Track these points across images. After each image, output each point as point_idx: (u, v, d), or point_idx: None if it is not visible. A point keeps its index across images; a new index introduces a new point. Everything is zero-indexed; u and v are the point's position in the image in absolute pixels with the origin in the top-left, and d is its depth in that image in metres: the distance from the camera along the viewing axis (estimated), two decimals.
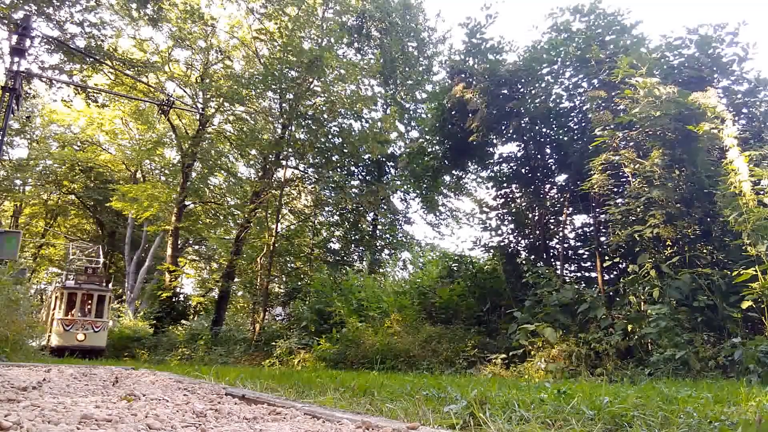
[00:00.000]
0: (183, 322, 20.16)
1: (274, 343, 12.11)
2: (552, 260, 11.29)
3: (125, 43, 21.26)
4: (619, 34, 9.97)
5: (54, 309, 18.60)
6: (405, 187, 20.00)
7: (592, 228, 10.88)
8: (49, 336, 17.80)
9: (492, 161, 12.89)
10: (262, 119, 19.79)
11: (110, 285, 19.48)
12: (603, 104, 9.27)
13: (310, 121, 17.83)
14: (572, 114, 11.14)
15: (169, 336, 18.04)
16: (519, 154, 12.30)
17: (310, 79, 16.97)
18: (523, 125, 11.15)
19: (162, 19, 18.10)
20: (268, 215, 17.97)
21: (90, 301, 18.17)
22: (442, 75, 20.09)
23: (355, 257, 19.94)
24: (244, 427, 1.77)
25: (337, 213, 20.38)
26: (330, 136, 18.56)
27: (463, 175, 15.49)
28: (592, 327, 7.71)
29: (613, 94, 8.99)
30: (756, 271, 5.97)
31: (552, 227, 11.90)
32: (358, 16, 20.69)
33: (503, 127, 11.39)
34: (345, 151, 18.29)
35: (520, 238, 12.34)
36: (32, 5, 15.24)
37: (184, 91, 21.02)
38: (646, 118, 7.78)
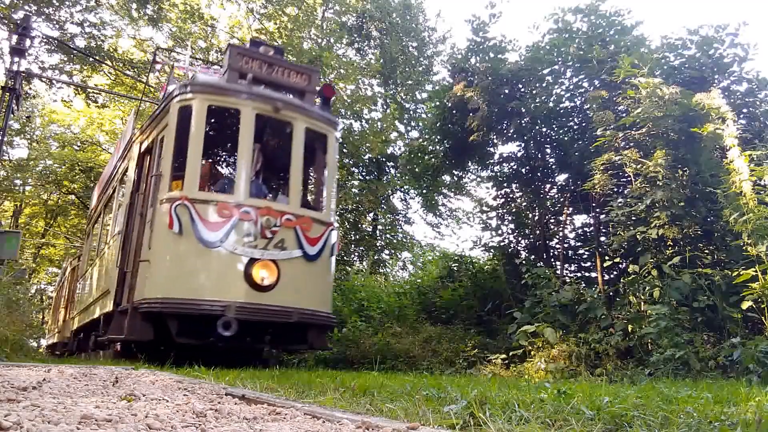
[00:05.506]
0: None
1: None
2: (552, 260, 11.29)
3: (125, 43, 21.32)
4: (621, 35, 9.97)
5: (141, 181, 6.98)
6: (405, 187, 20.01)
7: (592, 228, 10.87)
8: (130, 273, 6.36)
9: (492, 161, 12.88)
10: None
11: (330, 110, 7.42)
12: (603, 104, 9.26)
13: None
14: (573, 114, 11.14)
15: None
16: (519, 154, 12.30)
17: None
18: (524, 125, 11.15)
19: (162, 19, 18.11)
20: None
21: (285, 144, 6.79)
22: (442, 74, 20.13)
23: (355, 257, 19.93)
24: (244, 427, 1.77)
25: (337, 213, 20.37)
26: None
27: (463, 175, 15.48)
28: (592, 327, 7.70)
29: (614, 94, 8.98)
30: (756, 271, 5.96)
31: (552, 227, 11.90)
32: (358, 16, 20.69)
33: (504, 127, 11.38)
34: (345, 150, 18.28)
35: (520, 238, 12.34)
36: (32, 5, 15.25)
37: None
38: (649, 118, 7.78)
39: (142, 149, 7.36)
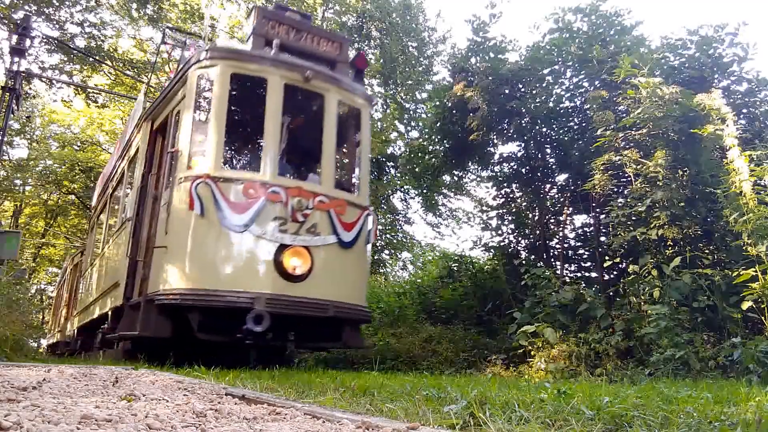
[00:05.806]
0: None
1: None
2: (552, 260, 11.29)
3: (125, 43, 21.34)
4: (621, 35, 9.99)
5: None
6: (405, 187, 20.01)
7: (592, 228, 10.88)
8: (143, 262, 5.78)
9: (492, 161, 12.89)
10: None
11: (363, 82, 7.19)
12: (604, 104, 9.27)
13: None
14: (573, 114, 11.14)
15: None
16: (519, 154, 12.30)
17: None
18: (524, 125, 11.15)
19: (162, 19, 18.13)
20: None
21: (315, 119, 6.03)
22: (442, 74, 20.14)
23: None
24: (244, 427, 1.77)
25: None
26: None
27: (463, 175, 15.48)
28: (592, 327, 7.70)
29: (614, 94, 8.99)
30: (756, 271, 5.96)
31: (552, 227, 11.90)
32: (358, 16, 20.69)
33: (504, 127, 11.39)
34: None
35: (520, 238, 12.35)
36: (32, 5, 15.26)
37: None
38: (649, 118, 7.78)
39: (154, 127, 6.75)
